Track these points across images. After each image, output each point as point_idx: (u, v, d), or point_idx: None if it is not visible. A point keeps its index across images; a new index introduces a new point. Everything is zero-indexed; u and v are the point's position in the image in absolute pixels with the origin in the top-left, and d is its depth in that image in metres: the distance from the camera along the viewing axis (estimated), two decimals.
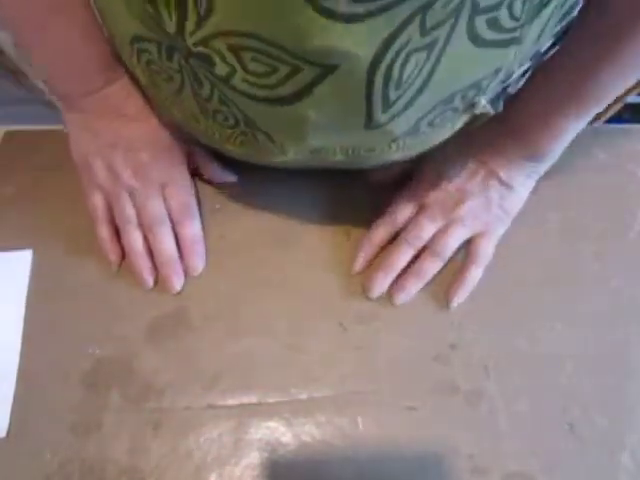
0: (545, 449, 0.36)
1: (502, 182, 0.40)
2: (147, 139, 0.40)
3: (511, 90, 0.35)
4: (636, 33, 0.30)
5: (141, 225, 0.40)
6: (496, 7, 0.25)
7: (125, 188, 0.40)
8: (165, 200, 0.41)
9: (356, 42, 0.24)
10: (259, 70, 0.27)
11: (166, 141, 0.41)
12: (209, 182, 0.45)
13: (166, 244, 0.40)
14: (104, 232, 0.40)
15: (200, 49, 0.27)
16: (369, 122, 0.29)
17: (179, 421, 0.36)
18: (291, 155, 0.34)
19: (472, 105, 0.32)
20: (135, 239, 0.40)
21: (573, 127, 0.37)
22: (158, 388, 0.37)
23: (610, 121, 0.50)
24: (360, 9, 0.23)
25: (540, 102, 0.37)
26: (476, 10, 0.25)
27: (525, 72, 0.34)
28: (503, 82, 0.32)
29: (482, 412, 0.37)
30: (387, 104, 0.28)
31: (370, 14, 0.23)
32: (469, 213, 0.40)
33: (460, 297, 0.40)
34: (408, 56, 0.26)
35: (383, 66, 0.26)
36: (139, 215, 0.40)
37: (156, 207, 0.40)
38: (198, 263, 0.40)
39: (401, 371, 0.38)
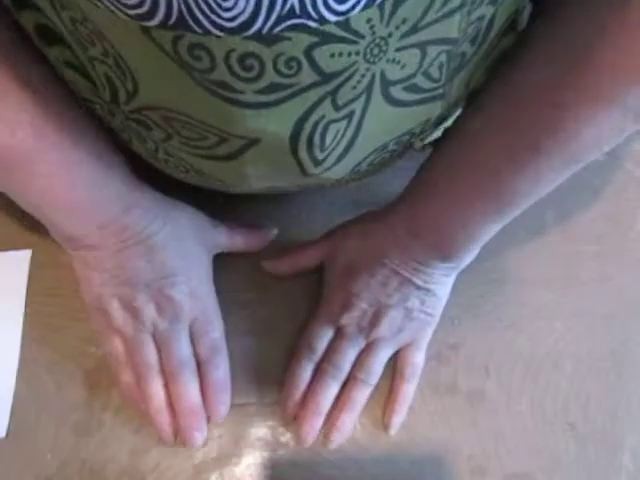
0: (545, 449, 0.36)
1: (419, 287, 0.36)
2: (174, 271, 0.35)
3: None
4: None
5: (163, 371, 0.35)
6: (409, 77, 0.26)
7: (147, 328, 0.35)
8: (192, 336, 0.36)
9: (270, 123, 0.25)
10: (192, 136, 0.28)
11: (195, 266, 0.37)
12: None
13: (189, 394, 0.35)
14: (128, 378, 0.35)
15: (135, 116, 0.28)
16: (304, 173, 0.30)
17: None
18: (247, 189, 0.34)
19: (410, 145, 0.33)
20: (156, 391, 0.35)
21: (493, 226, 0.32)
22: None
23: None
24: (265, 99, 0.24)
25: (448, 199, 0.32)
26: (388, 83, 0.25)
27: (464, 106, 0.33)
28: (439, 124, 0.32)
29: (482, 412, 0.37)
30: (316, 162, 0.29)
31: (277, 102, 0.24)
32: (390, 328, 0.36)
33: (399, 420, 0.36)
34: (326, 126, 0.27)
35: (303, 136, 0.27)
36: (162, 359, 0.35)
37: (182, 350, 0.35)
38: (222, 412, 0.36)
39: None
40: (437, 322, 0.38)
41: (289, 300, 0.40)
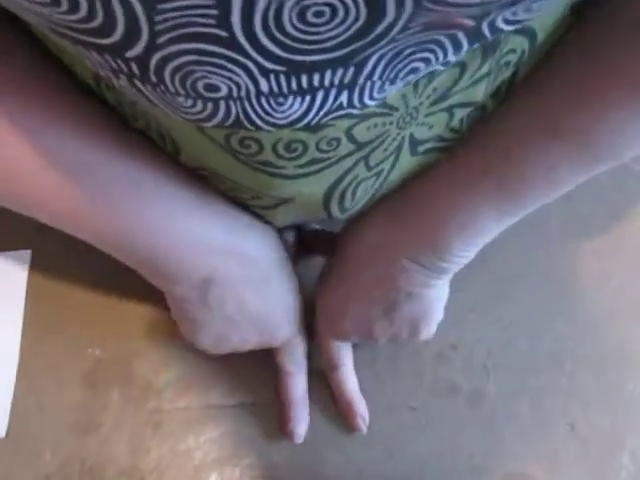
0: (545, 449, 0.36)
1: (403, 291, 0.32)
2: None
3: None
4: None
5: None
6: (435, 134, 0.27)
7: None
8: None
9: (306, 187, 0.26)
10: (229, 187, 0.29)
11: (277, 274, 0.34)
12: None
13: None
14: None
15: None
16: (331, 217, 0.31)
17: (179, 421, 0.36)
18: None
19: None
20: None
21: (489, 222, 0.29)
22: (158, 388, 0.37)
23: None
24: (304, 171, 0.25)
25: (446, 180, 0.29)
26: (417, 142, 0.26)
27: None
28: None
29: (482, 412, 0.37)
30: (344, 210, 0.30)
31: (315, 172, 0.25)
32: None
33: None
34: (358, 184, 0.28)
35: (336, 194, 0.28)
36: None
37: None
38: (300, 431, 0.36)
39: (401, 371, 0.38)
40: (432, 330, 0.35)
41: None
